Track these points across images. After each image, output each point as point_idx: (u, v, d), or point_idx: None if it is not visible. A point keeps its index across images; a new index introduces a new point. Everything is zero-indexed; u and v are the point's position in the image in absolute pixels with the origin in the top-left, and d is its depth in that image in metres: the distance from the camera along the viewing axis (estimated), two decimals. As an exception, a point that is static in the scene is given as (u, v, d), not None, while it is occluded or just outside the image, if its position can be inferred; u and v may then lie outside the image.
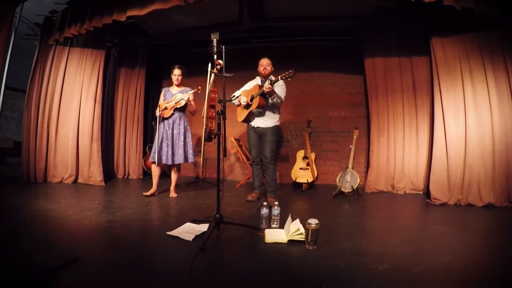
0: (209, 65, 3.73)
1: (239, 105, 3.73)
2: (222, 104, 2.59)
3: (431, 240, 2.49)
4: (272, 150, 3.68)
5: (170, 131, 3.77)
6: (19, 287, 1.52)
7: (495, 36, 3.69)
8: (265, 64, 3.63)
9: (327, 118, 5.47)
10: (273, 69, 3.68)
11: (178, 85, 3.87)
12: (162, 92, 3.94)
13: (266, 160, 3.67)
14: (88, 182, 4.60)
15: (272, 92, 3.35)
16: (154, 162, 3.75)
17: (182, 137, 3.79)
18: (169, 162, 3.74)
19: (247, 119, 3.73)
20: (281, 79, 3.16)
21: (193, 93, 3.69)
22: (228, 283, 1.69)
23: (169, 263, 1.95)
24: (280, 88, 3.52)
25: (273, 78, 3.32)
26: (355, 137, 4.47)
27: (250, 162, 3.87)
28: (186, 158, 3.79)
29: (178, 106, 3.74)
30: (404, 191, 4.44)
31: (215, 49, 2.50)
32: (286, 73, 3.08)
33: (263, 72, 3.63)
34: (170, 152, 3.73)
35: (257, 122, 3.69)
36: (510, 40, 3.62)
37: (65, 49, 4.68)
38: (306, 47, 5.48)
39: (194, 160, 4.05)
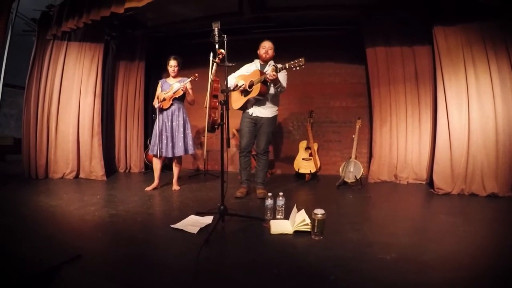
0: (211, 54, 3.66)
1: (235, 89, 3.46)
2: (225, 94, 2.55)
3: (436, 230, 2.48)
4: (268, 142, 3.53)
5: (169, 123, 3.73)
6: (23, 284, 1.51)
7: (498, 26, 3.63)
8: (267, 47, 3.36)
9: (329, 109, 5.43)
10: (274, 54, 3.43)
11: (175, 76, 3.81)
12: (159, 83, 3.89)
13: (260, 151, 3.52)
14: (90, 177, 4.58)
15: (276, 81, 3.13)
16: (155, 155, 3.73)
17: (182, 129, 3.75)
18: (169, 155, 3.71)
19: (244, 107, 3.52)
20: (288, 67, 2.90)
21: (191, 81, 3.62)
22: (234, 275, 1.67)
23: (174, 257, 1.94)
24: (282, 76, 3.28)
25: (278, 65, 3.03)
26: (357, 127, 4.42)
27: (239, 153, 3.68)
28: (186, 150, 3.76)
29: (177, 96, 3.68)
30: (407, 181, 4.42)
31: (216, 38, 2.45)
32: (296, 61, 2.82)
33: (264, 55, 3.37)
34: (170, 144, 3.70)
35: (256, 111, 3.46)
36: (513, 29, 3.57)
37: (63, 43, 4.62)
38: (306, 37, 5.39)
39: (194, 152, 4.03)
